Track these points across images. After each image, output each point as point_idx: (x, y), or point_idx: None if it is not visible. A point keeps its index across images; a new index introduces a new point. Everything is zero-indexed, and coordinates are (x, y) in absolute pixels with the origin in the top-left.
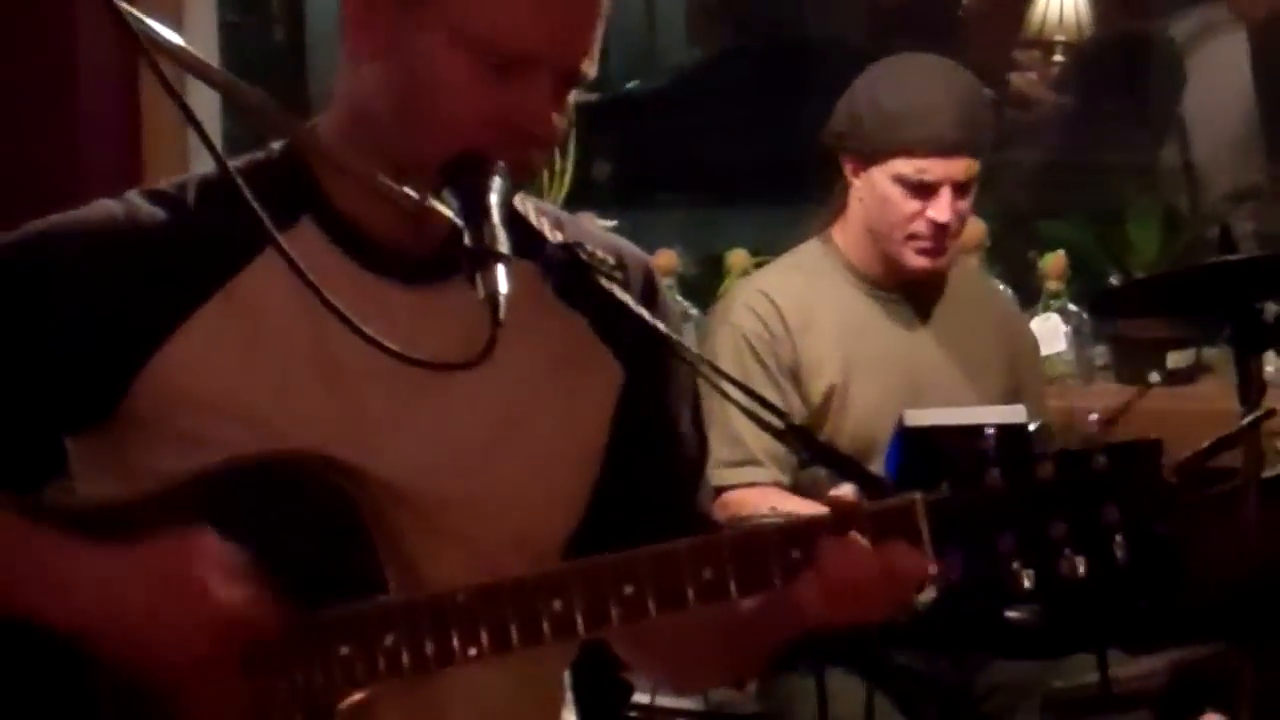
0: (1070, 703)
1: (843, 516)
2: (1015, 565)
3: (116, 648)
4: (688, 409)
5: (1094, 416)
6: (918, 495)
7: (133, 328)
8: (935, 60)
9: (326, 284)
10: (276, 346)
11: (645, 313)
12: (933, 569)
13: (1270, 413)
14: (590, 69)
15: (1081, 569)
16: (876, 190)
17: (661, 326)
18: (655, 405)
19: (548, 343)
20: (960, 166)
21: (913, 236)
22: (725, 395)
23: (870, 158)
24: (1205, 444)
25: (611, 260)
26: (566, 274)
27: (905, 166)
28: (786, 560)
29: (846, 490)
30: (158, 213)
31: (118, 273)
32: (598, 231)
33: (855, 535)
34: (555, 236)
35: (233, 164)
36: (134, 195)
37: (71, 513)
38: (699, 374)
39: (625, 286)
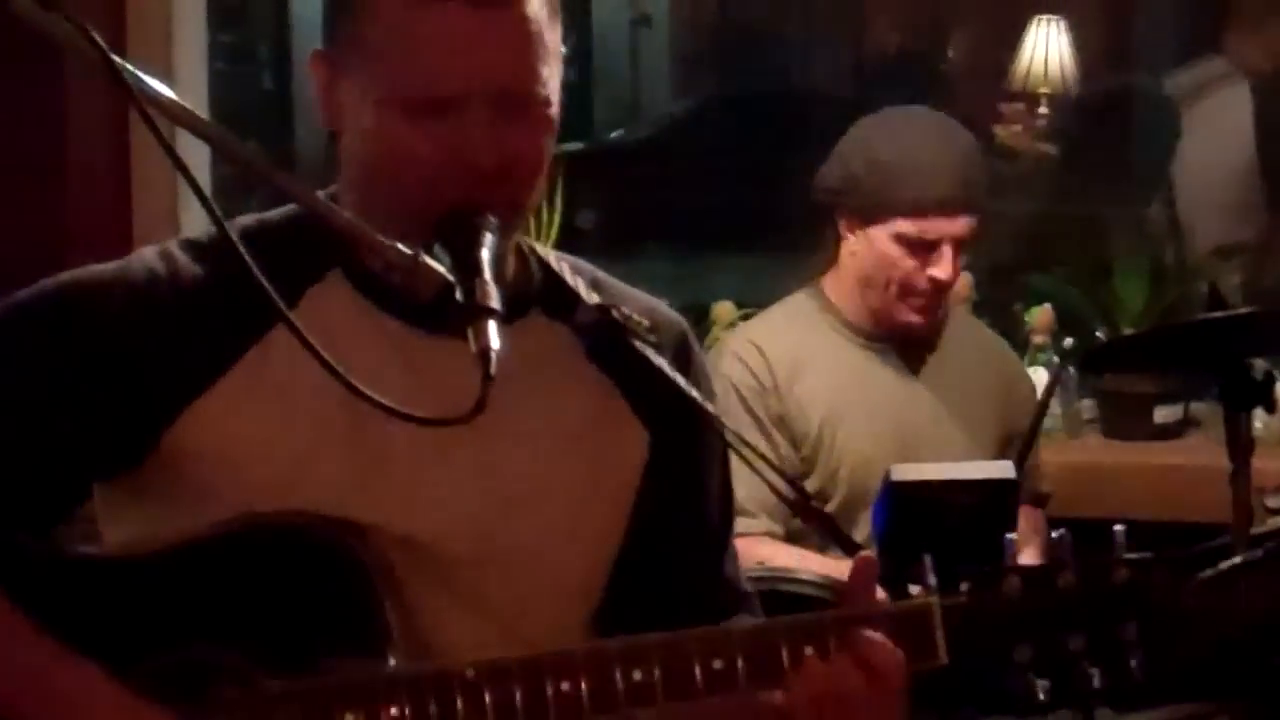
0: None
1: (857, 617)
2: (1030, 675)
3: None
4: (716, 475)
5: (1119, 528)
6: (934, 599)
7: (168, 382)
8: (930, 115)
9: (356, 335)
10: (306, 405)
11: (680, 377)
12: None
13: None
14: (538, 86)
15: (1097, 681)
16: (874, 248)
17: (693, 392)
18: (682, 472)
19: (575, 405)
20: (961, 225)
21: (909, 293)
22: (743, 458)
23: (869, 217)
24: (1230, 563)
25: (646, 323)
26: (599, 336)
27: (907, 226)
28: (798, 654)
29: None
30: (195, 267)
31: (155, 326)
32: (633, 292)
33: (871, 633)
34: (591, 297)
35: (269, 216)
36: (173, 247)
37: (85, 563)
38: (729, 444)
39: (658, 349)
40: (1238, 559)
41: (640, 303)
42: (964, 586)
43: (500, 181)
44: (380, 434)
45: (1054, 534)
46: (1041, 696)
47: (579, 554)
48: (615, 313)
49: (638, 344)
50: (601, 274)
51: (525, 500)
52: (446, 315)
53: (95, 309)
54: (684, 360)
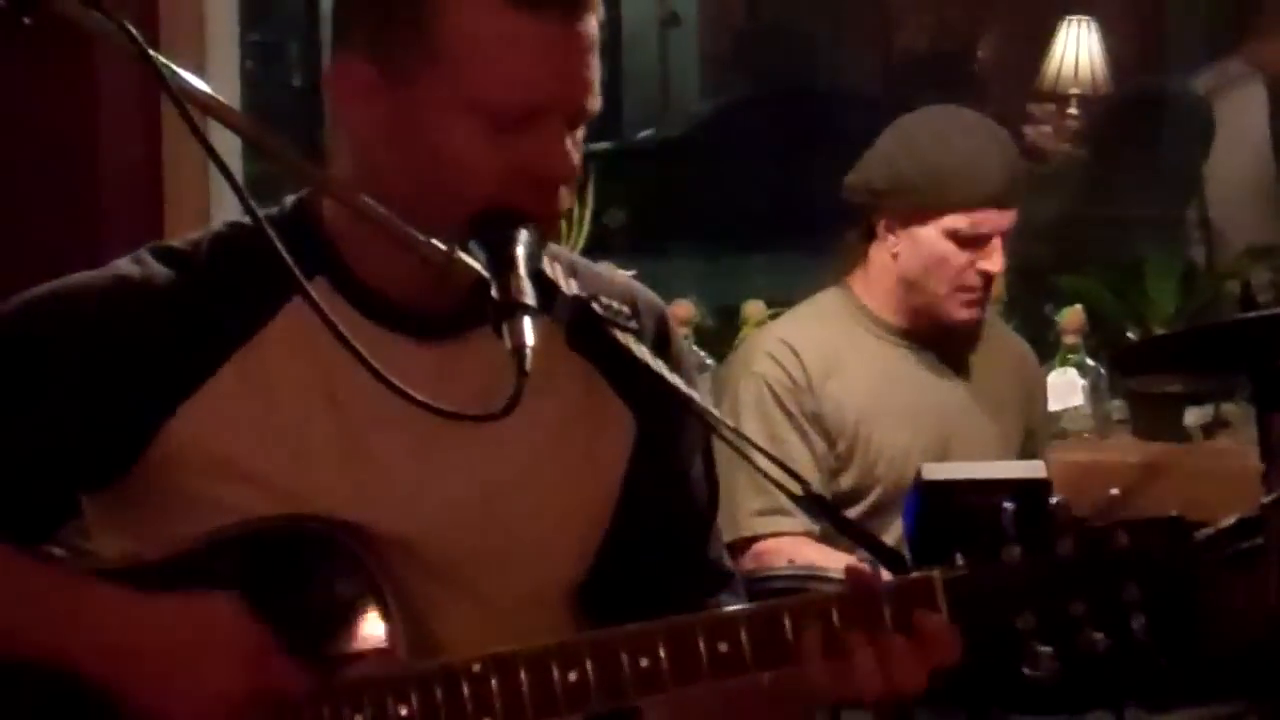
0: None
1: (861, 592)
2: (1034, 642)
3: (132, 698)
4: (699, 458)
5: (1114, 491)
6: (936, 572)
7: (150, 391)
8: (966, 113)
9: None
10: (291, 409)
11: (662, 366)
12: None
13: None
14: (596, 104)
15: (1101, 646)
16: (923, 246)
17: (677, 380)
18: (668, 457)
19: (561, 395)
20: (1010, 217)
21: (961, 289)
22: (739, 451)
23: (918, 216)
24: (1226, 523)
25: (626, 310)
26: (580, 325)
27: (960, 221)
28: (802, 635)
29: (860, 563)
30: (172, 274)
31: (134, 336)
32: (613, 277)
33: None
34: (570, 285)
35: (244, 221)
36: (147, 255)
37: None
38: (713, 428)
39: (639, 336)
40: (1233, 518)
41: (618, 287)
42: (964, 559)
43: (555, 192)
44: (368, 433)
45: (1053, 500)
46: (1045, 661)
47: (570, 542)
48: (595, 305)
49: (619, 334)
50: (579, 260)
51: (515, 493)
52: (435, 322)
53: (73, 319)
54: (663, 344)
